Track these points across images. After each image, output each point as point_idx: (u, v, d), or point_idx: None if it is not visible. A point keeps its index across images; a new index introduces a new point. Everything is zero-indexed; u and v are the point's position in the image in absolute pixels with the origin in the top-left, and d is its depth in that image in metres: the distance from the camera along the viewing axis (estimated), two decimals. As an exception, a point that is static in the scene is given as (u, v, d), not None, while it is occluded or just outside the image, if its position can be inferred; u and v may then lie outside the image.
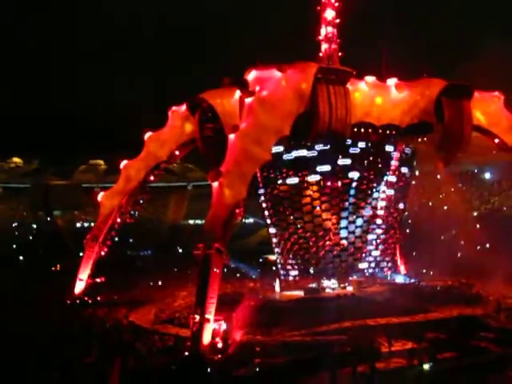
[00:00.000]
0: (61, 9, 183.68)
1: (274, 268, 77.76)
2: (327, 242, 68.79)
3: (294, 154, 68.27)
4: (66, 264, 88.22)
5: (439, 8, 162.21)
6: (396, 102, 60.50)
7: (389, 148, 69.28)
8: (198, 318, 43.65)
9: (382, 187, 70.17)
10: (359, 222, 69.61)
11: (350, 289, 67.12)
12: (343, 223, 69.02)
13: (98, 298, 66.71)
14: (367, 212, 69.68)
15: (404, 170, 71.89)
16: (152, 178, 69.59)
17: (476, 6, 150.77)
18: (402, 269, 77.78)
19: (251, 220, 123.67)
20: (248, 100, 54.53)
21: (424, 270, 77.64)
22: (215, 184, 48.87)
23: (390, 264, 74.18)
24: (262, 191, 71.89)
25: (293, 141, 63.34)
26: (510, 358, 39.64)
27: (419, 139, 67.71)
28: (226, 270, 49.99)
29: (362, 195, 69.07)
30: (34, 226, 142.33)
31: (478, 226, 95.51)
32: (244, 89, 57.38)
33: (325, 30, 72.04)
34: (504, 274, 60.87)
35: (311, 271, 69.76)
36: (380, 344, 43.18)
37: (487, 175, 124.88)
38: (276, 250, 74.21)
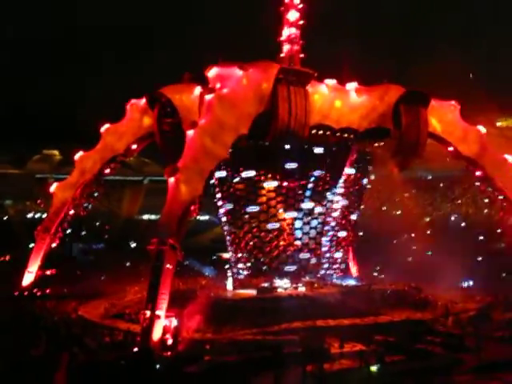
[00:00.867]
0: None
1: (227, 266, 77.65)
2: (281, 242, 68.93)
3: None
4: (16, 255, 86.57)
5: (402, 12, 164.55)
6: (355, 106, 61.19)
7: (345, 151, 69.62)
8: (148, 313, 43.38)
9: (337, 190, 70.65)
10: (314, 223, 69.91)
11: (302, 289, 67.44)
12: (298, 224, 69.24)
13: (47, 291, 65.67)
14: (322, 214, 70.04)
15: (358, 173, 72.37)
16: (108, 170, 68.85)
17: (438, 11, 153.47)
18: (354, 271, 78.62)
19: (206, 217, 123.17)
20: (208, 97, 54.45)
21: (375, 273, 78.56)
22: (171, 179, 48.64)
23: (342, 266, 74.84)
24: (217, 188, 71.55)
25: (251, 140, 63.29)
26: (456, 362, 40.46)
27: (376, 144, 68.50)
28: (179, 266, 49.44)
29: (317, 197, 69.35)
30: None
31: (429, 231, 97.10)
32: (204, 85, 57.27)
33: (287, 31, 72.17)
34: (452, 279, 62.10)
35: (264, 270, 69.80)
36: (330, 345, 43.62)
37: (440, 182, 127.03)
38: (230, 248, 74.08)
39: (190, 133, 51.69)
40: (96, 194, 71.13)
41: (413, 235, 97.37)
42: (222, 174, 68.88)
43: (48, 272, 67.87)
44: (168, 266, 45.16)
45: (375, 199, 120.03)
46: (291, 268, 69.58)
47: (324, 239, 71.30)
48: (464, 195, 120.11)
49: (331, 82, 61.35)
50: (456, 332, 48.31)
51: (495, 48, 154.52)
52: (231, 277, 71.73)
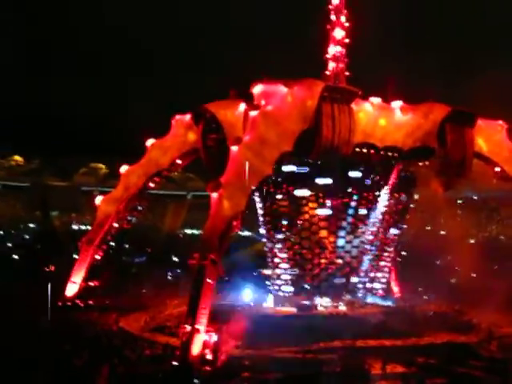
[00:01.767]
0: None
1: (268, 282, 77.43)
2: (323, 260, 68.50)
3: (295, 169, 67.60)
4: (61, 265, 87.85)
5: (449, 29, 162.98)
6: (400, 125, 60.76)
7: (388, 170, 69.01)
8: (188, 327, 43.52)
9: (381, 209, 70.01)
10: (356, 241, 69.37)
11: (342, 308, 66.87)
12: (340, 242, 68.76)
13: (90, 302, 66.39)
14: (364, 232, 69.46)
15: (402, 193, 71.59)
16: (152, 185, 69.55)
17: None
18: (396, 291, 77.59)
19: (248, 233, 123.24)
20: (252, 113, 54.75)
21: (418, 294, 77.40)
22: (214, 195, 48.91)
23: (384, 286, 73.95)
24: (260, 205, 71.62)
25: (295, 157, 63.35)
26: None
27: (420, 163, 67.76)
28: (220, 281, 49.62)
29: (360, 215, 68.84)
30: (31, 226, 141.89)
31: (474, 253, 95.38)
32: (249, 102, 57.62)
33: (333, 49, 72.15)
34: (497, 302, 60.74)
35: (305, 288, 69.42)
36: (370, 366, 43.07)
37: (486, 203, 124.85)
38: (271, 264, 73.89)
39: (233, 149, 52.01)
40: (140, 208, 71.83)
41: (457, 256, 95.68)
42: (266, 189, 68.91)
43: (91, 283, 68.58)
44: (209, 280, 45.31)
45: (419, 219, 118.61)
46: (332, 286, 69.04)
47: (366, 258, 70.62)
48: (510, 217, 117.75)
49: (376, 100, 61.09)
50: (499, 356, 47.17)
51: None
52: (272, 293, 71.51)
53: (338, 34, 71.94)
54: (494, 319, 60.36)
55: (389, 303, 71.57)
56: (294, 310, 65.56)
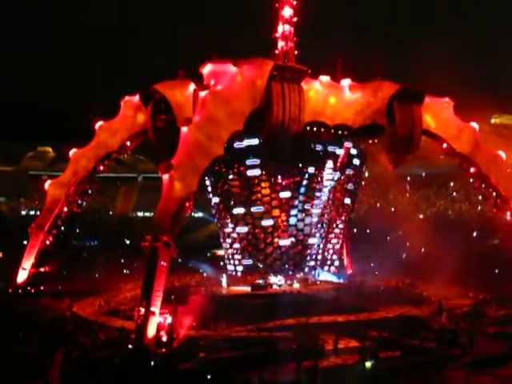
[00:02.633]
0: None
1: (221, 263, 77.69)
2: (275, 239, 68.95)
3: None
4: (10, 252, 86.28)
5: (394, 5, 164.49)
6: (349, 103, 61.22)
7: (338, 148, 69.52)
8: (143, 310, 43.32)
9: (331, 186, 70.72)
10: (308, 219, 69.96)
11: (296, 286, 67.51)
12: (292, 220, 69.27)
13: (42, 288, 65.51)
14: (316, 210, 70.09)
15: (352, 170, 72.38)
16: (101, 167, 68.61)
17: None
18: (348, 268, 78.73)
19: (200, 214, 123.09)
20: (202, 93, 54.36)
21: (370, 270, 78.70)
22: (166, 176, 48.55)
23: (336, 263, 74.95)
24: (212, 185, 71.49)
25: (245, 136, 63.37)
26: (449, 358, 40.61)
27: (370, 141, 68.51)
28: (173, 263, 49.41)
29: (311, 193, 69.39)
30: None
31: (423, 228, 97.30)
32: (198, 82, 57.20)
33: (282, 28, 72.04)
34: (446, 275, 62.25)
35: (259, 267, 69.85)
36: (324, 341, 43.70)
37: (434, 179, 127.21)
38: (224, 245, 74.08)
39: (184, 129, 51.60)
40: (90, 192, 70.90)
41: (407, 232, 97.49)
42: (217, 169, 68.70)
43: (42, 269, 67.57)
44: (162, 263, 45.09)
45: (369, 196, 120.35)
46: (285, 264, 69.66)
47: (318, 236, 71.35)
48: (458, 192, 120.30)
49: (325, 78, 61.34)
50: (450, 328, 48.41)
51: (492, 42, 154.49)
52: (226, 274, 71.79)
53: (287, 12, 71.85)
54: (444, 292, 61.98)
55: (341, 279, 72.63)
56: (248, 289, 65.86)
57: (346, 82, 61.98)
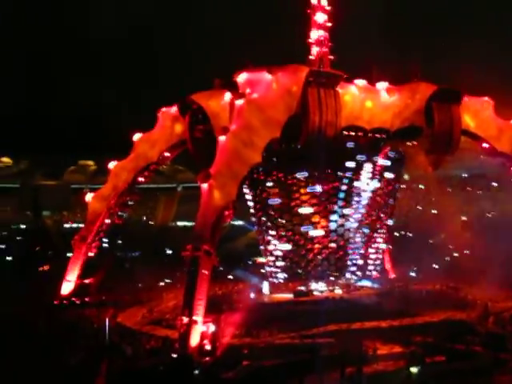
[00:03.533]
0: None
1: (262, 270, 77.58)
2: (316, 245, 68.58)
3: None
4: (55, 264, 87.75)
5: (432, 10, 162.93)
6: (386, 106, 60.82)
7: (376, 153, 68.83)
8: (185, 319, 43.54)
9: (370, 191, 70.02)
10: (348, 225, 69.43)
11: (338, 291, 67.06)
12: (332, 226, 68.81)
13: (86, 299, 66.34)
14: (355, 215, 69.51)
15: (390, 174, 71.49)
16: (141, 179, 69.44)
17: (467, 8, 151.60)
18: (391, 272, 77.91)
19: (240, 222, 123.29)
20: (238, 102, 54.60)
21: (412, 274, 77.75)
22: (205, 185, 48.83)
23: (378, 267, 74.16)
24: (250, 193, 71.47)
25: (283, 143, 63.24)
26: (496, 362, 39.82)
27: (409, 143, 67.80)
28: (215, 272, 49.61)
29: (350, 198, 68.83)
30: (23, 227, 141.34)
31: (466, 230, 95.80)
32: (234, 91, 57.45)
33: (316, 33, 71.82)
34: (492, 278, 61.07)
35: (300, 274, 69.53)
36: (368, 347, 43.27)
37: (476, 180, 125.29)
38: (265, 252, 73.92)
39: (221, 138, 51.94)
40: (130, 203, 71.71)
41: (450, 234, 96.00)
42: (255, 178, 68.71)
43: (86, 281, 68.47)
44: (203, 271, 45.32)
45: (410, 199, 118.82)
46: (326, 270, 69.20)
47: (358, 241, 70.71)
48: (500, 192, 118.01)
49: (361, 82, 61.05)
50: (496, 332, 47.47)
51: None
52: (267, 281, 71.63)
53: (320, 17, 71.63)
54: (490, 295, 60.77)
55: (383, 284, 71.86)
56: (290, 296, 65.68)
57: (382, 85, 61.58)
